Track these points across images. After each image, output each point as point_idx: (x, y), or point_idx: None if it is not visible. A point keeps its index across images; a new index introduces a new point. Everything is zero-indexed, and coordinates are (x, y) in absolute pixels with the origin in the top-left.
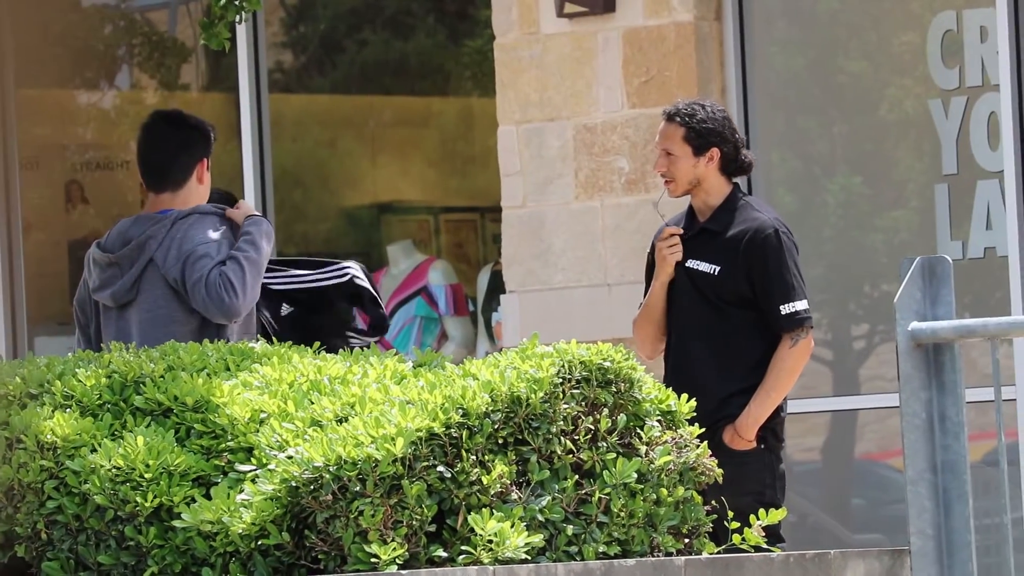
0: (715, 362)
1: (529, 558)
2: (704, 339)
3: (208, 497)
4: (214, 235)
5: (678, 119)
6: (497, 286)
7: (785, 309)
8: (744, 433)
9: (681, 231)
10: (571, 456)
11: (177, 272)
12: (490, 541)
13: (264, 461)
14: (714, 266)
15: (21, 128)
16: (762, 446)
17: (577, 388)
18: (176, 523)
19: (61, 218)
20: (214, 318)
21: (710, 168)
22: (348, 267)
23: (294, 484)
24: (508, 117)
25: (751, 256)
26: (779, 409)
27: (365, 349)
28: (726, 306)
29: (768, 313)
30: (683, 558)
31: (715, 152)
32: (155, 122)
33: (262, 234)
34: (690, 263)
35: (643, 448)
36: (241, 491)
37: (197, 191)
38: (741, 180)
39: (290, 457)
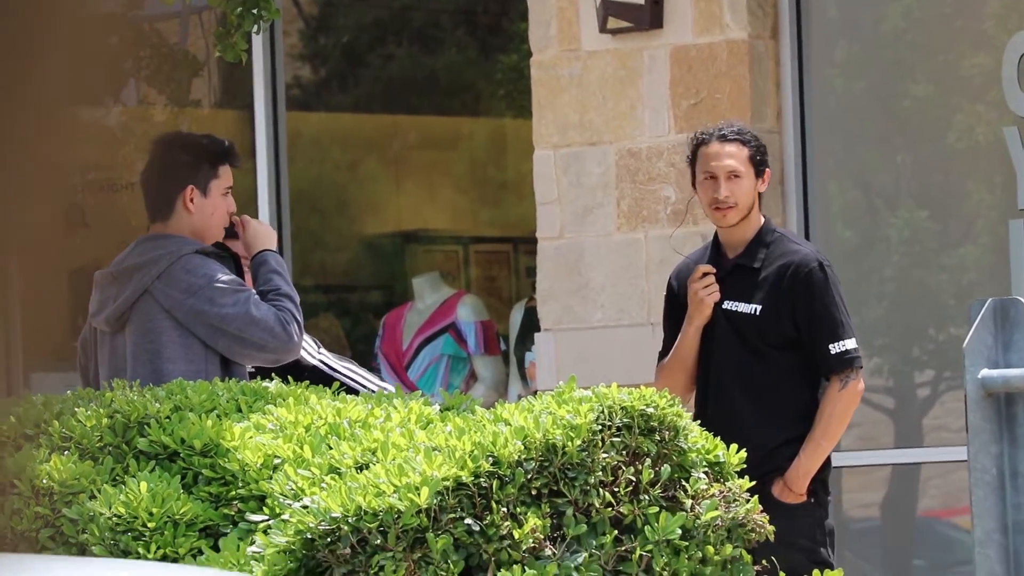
0: (760, 411)
1: None
2: (746, 387)
3: (216, 549)
4: (225, 272)
5: (740, 139)
6: (531, 324)
7: (834, 348)
8: (795, 486)
9: (714, 270)
10: (610, 509)
11: (191, 303)
12: None
13: (277, 511)
14: (755, 306)
15: None
16: (812, 500)
17: (617, 436)
18: None
19: (59, 244)
20: (260, 355)
21: (758, 192)
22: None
23: (309, 536)
24: (545, 140)
25: (795, 292)
26: (828, 459)
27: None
28: (769, 349)
29: (815, 353)
30: None
31: (768, 173)
32: (152, 146)
33: (287, 273)
34: (727, 304)
35: (688, 502)
36: (252, 543)
37: (189, 220)
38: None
39: (305, 507)
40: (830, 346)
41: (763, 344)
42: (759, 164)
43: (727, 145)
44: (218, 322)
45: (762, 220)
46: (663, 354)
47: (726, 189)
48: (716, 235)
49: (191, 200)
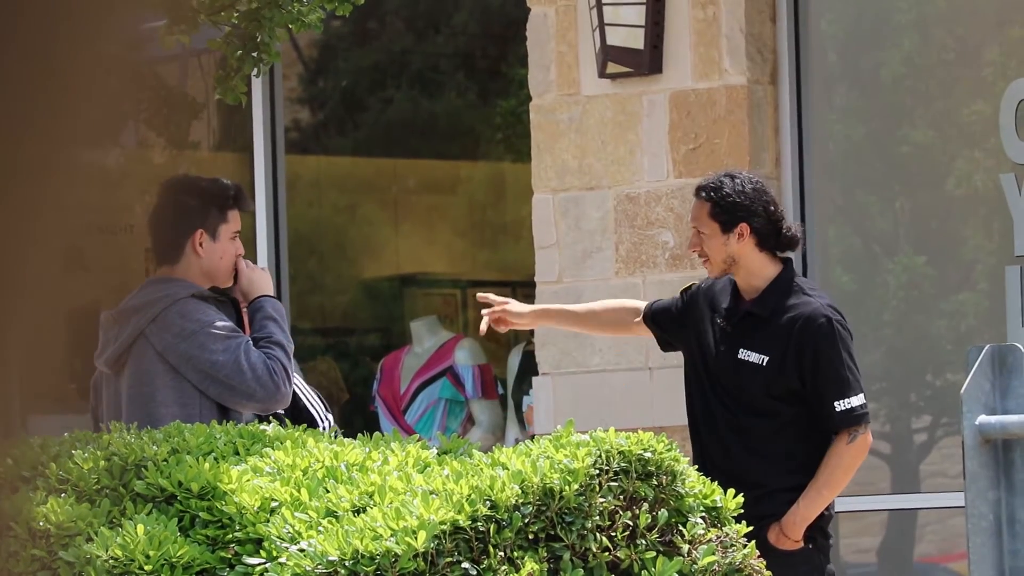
0: (760, 459)
1: None
2: (747, 435)
3: None
4: (221, 318)
5: (703, 194)
6: (529, 367)
7: (839, 406)
8: (791, 532)
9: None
10: (607, 554)
11: (183, 348)
12: None
13: (274, 554)
14: (763, 356)
15: None
16: (810, 546)
17: (615, 480)
18: None
19: (58, 286)
20: (249, 403)
21: (743, 245)
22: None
23: None
24: (544, 184)
25: (802, 346)
26: (829, 506)
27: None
28: (771, 401)
29: (819, 410)
30: None
31: (744, 228)
32: (160, 189)
33: (284, 319)
34: (742, 354)
35: (685, 547)
36: None
37: (198, 264)
38: (796, 261)
39: (302, 550)
40: (835, 403)
41: (766, 395)
42: (724, 219)
43: (695, 201)
44: (208, 368)
45: (778, 269)
46: (648, 306)
47: (694, 244)
48: (734, 279)
49: (200, 244)
